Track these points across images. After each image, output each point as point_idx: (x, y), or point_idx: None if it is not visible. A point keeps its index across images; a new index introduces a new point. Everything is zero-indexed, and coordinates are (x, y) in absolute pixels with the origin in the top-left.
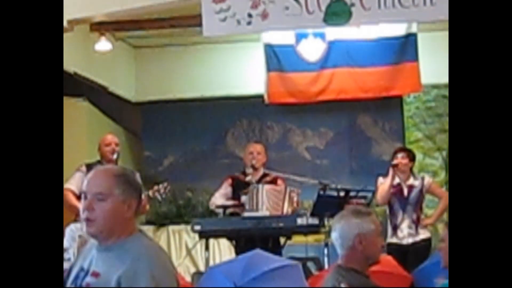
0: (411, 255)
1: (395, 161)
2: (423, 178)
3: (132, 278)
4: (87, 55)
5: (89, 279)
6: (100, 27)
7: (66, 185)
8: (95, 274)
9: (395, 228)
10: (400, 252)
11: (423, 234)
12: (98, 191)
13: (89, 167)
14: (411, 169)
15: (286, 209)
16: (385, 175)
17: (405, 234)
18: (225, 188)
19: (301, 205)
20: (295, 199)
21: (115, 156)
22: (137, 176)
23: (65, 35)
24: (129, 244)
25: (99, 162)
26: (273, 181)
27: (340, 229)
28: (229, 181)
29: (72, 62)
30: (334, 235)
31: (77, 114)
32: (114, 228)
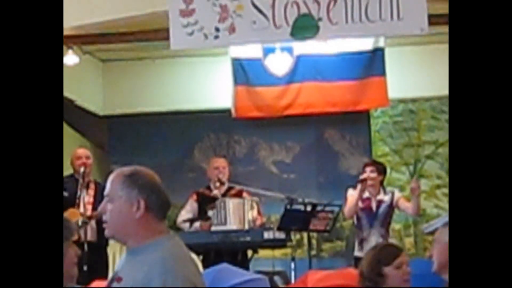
0: None
1: (363, 176)
2: (393, 193)
3: (146, 284)
4: None
5: (114, 284)
6: (68, 40)
7: None
8: (118, 279)
9: (361, 242)
10: None
11: None
12: (107, 193)
13: (71, 180)
14: (381, 183)
15: (247, 219)
16: (355, 186)
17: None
18: (191, 205)
19: (263, 216)
20: (255, 208)
21: (81, 170)
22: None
23: None
24: (152, 247)
25: (71, 176)
26: (239, 194)
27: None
28: (194, 197)
29: None
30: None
31: None
32: (126, 230)
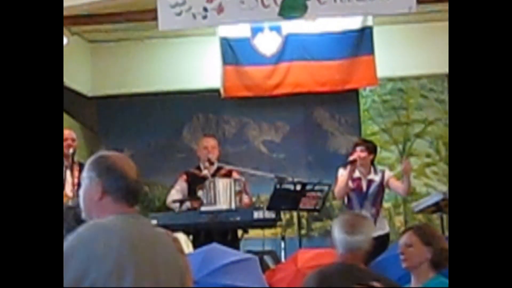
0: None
1: (353, 156)
2: (383, 173)
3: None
4: None
5: None
6: None
7: None
8: None
9: None
10: None
11: (381, 230)
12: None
13: None
14: (372, 162)
15: (234, 195)
16: (345, 166)
17: None
18: (181, 184)
19: (253, 196)
20: (241, 185)
21: (70, 151)
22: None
23: None
24: None
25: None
26: (228, 174)
27: (367, 232)
28: (184, 177)
29: None
30: (361, 238)
31: None
32: (91, 212)
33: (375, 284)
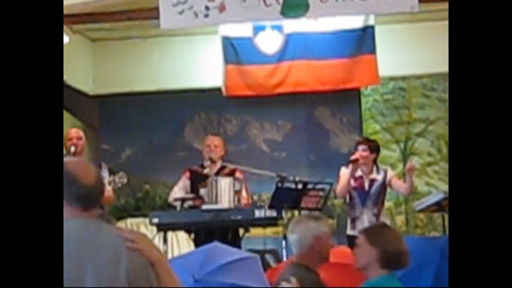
0: None
1: (356, 154)
2: (385, 172)
3: None
4: None
5: None
6: None
7: None
8: None
9: (353, 220)
10: None
11: None
12: None
13: None
14: (374, 162)
15: (233, 195)
16: (347, 165)
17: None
18: (183, 181)
19: (254, 195)
20: (242, 190)
21: (72, 149)
22: (103, 168)
23: None
24: None
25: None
26: (231, 173)
27: (299, 231)
28: (187, 174)
29: None
30: (292, 237)
31: None
32: None
33: (284, 284)
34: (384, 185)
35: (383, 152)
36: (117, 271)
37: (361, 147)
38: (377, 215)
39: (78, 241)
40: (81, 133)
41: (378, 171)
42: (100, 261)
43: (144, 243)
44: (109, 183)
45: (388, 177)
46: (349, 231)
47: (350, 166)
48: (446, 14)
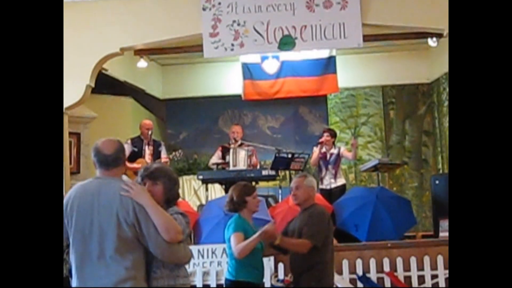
0: (332, 195)
1: (321, 139)
2: (339, 148)
3: None
4: (132, 69)
5: None
6: (140, 52)
7: None
8: None
9: (321, 179)
10: (326, 193)
11: (339, 182)
12: None
13: (133, 140)
14: (333, 143)
15: (245, 160)
16: (317, 145)
17: (328, 183)
18: (217, 153)
19: (261, 162)
20: (248, 153)
21: (149, 132)
22: (162, 146)
23: (118, 57)
24: None
25: (139, 137)
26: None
27: (306, 182)
28: (220, 148)
29: (122, 74)
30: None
31: (126, 107)
32: None
33: None
34: (338, 156)
35: (341, 135)
36: (111, 210)
37: (325, 134)
38: (334, 175)
39: (93, 192)
40: (151, 123)
41: (335, 148)
42: (102, 204)
43: (137, 191)
44: (173, 156)
45: (341, 151)
46: (320, 186)
47: (318, 146)
48: (379, 48)
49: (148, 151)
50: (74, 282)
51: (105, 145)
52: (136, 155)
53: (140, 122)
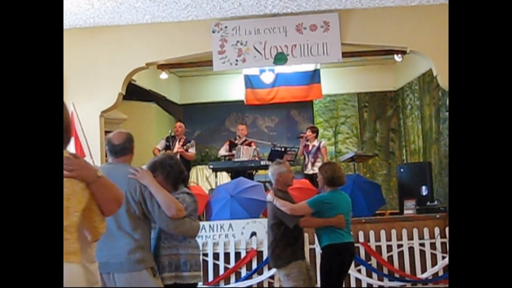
0: (313, 180)
1: (304, 134)
2: (320, 142)
3: None
4: (155, 80)
5: None
6: (162, 66)
7: (156, 146)
8: None
9: (305, 166)
10: (309, 178)
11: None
12: None
13: (167, 137)
14: (316, 137)
15: (252, 156)
16: (299, 138)
17: (309, 170)
18: (225, 147)
19: (261, 155)
20: (256, 151)
21: (178, 131)
22: (192, 142)
23: (143, 71)
24: None
25: (173, 136)
26: (249, 143)
27: (271, 171)
28: (227, 143)
29: (147, 84)
30: (269, 174)
31: (150, 112)
32: None
33: (268, 194)
34: (318, 149)
35: (324, 132)
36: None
37: (308, 130)
38: (312, 163)
39: (105, 175)
40: (183, 125)
41: (317, 141)
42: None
43: (142, 174)
44: (188, 147)
45: (321, 146)
46: (305, 171)
47: (301, 139)
48: (355, 63)
49: (177, 145)
50: None
51: (115, 136)
52: (167, 148)
53: (172, 124)
